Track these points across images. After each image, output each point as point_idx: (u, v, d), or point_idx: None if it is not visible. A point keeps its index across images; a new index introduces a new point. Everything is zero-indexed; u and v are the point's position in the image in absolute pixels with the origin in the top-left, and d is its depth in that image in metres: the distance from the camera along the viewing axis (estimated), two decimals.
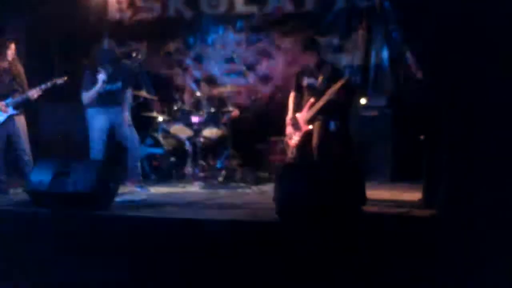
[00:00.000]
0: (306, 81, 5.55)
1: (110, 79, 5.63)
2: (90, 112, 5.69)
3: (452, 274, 3.37)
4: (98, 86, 5.56)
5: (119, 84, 5.72)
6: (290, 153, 5.64)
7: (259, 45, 7.77)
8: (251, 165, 6.68)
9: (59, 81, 5.75)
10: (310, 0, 7.42)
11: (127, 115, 5.81)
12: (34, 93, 5.65)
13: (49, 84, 5.69)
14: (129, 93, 5.94)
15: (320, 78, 5.43)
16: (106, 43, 6.07)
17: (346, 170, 4.21)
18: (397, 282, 3.45)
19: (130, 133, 5.80)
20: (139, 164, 5.89)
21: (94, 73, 5.63)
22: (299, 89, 5.68)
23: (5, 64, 5.65)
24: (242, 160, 6.74)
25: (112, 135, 5.84)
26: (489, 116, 3.81)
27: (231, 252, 3.76)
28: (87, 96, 5.63)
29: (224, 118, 6.75)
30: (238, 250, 3.76)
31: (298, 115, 5.58)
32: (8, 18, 7.08)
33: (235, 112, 6.82)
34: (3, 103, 5.59)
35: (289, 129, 5.67)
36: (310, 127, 5.44)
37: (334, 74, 5.33)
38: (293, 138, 5.57)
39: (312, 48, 5.46)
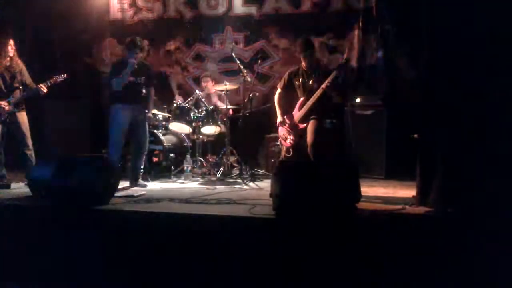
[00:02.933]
0: (299, 81, 5.56)
1: (135, 73, 5.71)
2: (115, 108, 5.70)
3: (446, 271, 3.44)
4: (128, 69, 5.60)
5: (142, 79, 5.78)
6: (286, 153, 5.65)
7: (257, 45, 7.86)
8: (249, 161, 6.72)
9: (59, 78, 5.81)
10: (307, 1, 7.51)
11: (149, 115, 5.97)
12: (43, 88, 5.71)
13: (49, 82, 5.76)
14: (151, 92, 6.02)
15: (313, 78, 5.44)
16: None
17: (341, 167, 4.21)
18: (391, 279, 3.52)
19: (144, 135, 5.90)
20: (142, 164, 5.99)
21: (123, 62, 5.71)
22: (287, 88, 5.70)
23: (6, 62, 5.69)
24: (239, 156, 6.80)
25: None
26: (482, 114, 3.88)
27: (228, 247, 3.81)
28: (117, 81, 5.60)
29: (222, 116, 6.82)
30: (235, 246, 3.81)
31: (293, 114, 5.60)
32: (11, 17, 7.12)
33: (230, 112, 6.89)
34: (5, 101, 5.64)
35: (282, 130, 5.66)
36: (304, 125, 5.45)
37: (327, 74, 5.34)
38: (288, 138, 5.57)
39: (308, 49, 5.46)
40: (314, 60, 5.54)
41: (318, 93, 5.28)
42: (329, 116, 5.56)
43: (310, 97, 5.38)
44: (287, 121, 5.59)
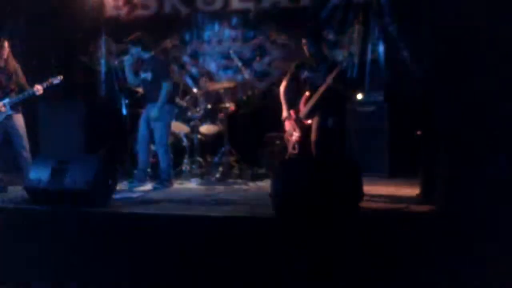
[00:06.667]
0: (305, 74, 5.51)
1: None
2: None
3: (450, 269, 3.42)
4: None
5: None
6: (292, 149, 5.60)
7: (255, 41, 7.79)
8: (248, 161, 6.67)
9: (55, 81, 5.77)
10: None
11: None
12: (39, 89, 5.66)
13: (46, 84, 5.71)
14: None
15: (319, 72, 5.39)
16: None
17: (344, 165, 4.20)
18: (395, 278, 3.51)
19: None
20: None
21: None
22: (293, 81, 5.65)
23: (1, 63, 5.65)
24: (239, 156, 6.74)
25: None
26: (486, 110, 3.84)
27: (228, 248, 3.79)
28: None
29: (221, 114, 6.76)
30: (235, 246, 3.79)
31: (299, 108, 5.56)
32: (6, 16, 7.07)
33: (232, 107, 6.83)
34: (1, 102, 5.60)
35: (288, 126, 5.62)
36: (309, 121, 5.41)
37: (332, 68, 5.31)
38: (294, 134, 5.53)
39: (316, 42, 5.44)
40: (320, 54, 5.51)
41: (323, 88, 5.24)
42: (332, 112, 5.50)
43: (315, 91, 5.33)
44: (293, 116, 5.54)
